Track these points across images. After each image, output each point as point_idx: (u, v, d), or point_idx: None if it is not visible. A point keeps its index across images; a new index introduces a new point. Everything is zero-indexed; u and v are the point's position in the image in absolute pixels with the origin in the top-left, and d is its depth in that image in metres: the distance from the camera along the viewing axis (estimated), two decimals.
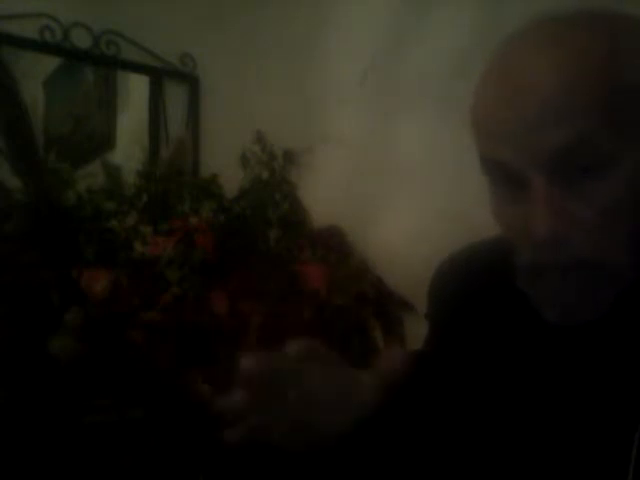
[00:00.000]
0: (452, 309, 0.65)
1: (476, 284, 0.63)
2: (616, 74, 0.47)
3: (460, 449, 0.57)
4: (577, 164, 0.48)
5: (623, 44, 0.49)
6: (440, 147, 1.39)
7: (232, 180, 1.53)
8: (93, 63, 1.65)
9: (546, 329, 0.54)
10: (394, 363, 0.57)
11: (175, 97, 1.75)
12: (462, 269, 0.66)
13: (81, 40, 1.59)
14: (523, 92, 0.48)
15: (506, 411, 0.56)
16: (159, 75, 1.72)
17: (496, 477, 0.55)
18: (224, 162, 1.57)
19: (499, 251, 0.58)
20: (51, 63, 1.63)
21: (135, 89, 1.72)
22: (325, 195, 1.60)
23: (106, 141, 1.68)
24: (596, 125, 0.47)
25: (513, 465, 0.55)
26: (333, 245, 1.55)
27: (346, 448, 0.54)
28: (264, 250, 1.43)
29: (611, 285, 0.51)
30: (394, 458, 0.58)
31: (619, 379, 0.51)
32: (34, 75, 1.61)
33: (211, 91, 1.77)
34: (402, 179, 1.49)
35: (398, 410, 0.56)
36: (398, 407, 0.56)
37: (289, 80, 1.71)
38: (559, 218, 0.48)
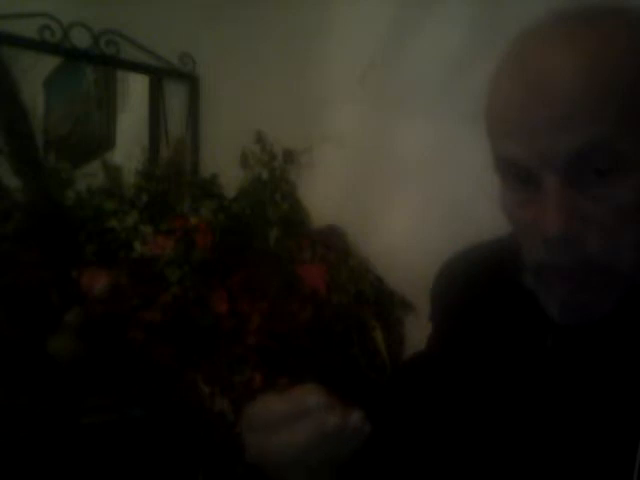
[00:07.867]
0: (455, 310, 0.65)
1: (479, 285, 0.63)
2: (633, 73, 0.46)
3: (463, 451, 0.57)
4: (591, 166, 0.47)
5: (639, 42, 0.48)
6: (440, 147, 1.39)
7: (232, 180, 1.53)
8: (93, 63, 1.65)
9: (552, 328, 0.54)
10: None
11: (175, 97, 1.75)
12: (464, 270, 0.66)
13: (81, 40, 1.59)
14: (537, 93, 0.47)
15: (511, 411, 0.56)
16: (159, 75, 1.72)
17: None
18: (224, 162, 1.57)
19: (501, 251, 0.58)
20: (51, 63, 1.63)
21: (135, 89, 1.72)
22: (325, 195, 1.60)
23: (106, 141, 1.68)
24: (612, 128, 0.46)
25: (517, 466, 0.55)
26: (333, 245, 1.54)
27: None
28: (264, 250, 1.43)
29: (618, 286, 0.50)
30: (393, 464, 0.58)
31: (626, 379, 0.51)
32: (34, 75, 1.61)
33: (211, 91, 1.77)
34: (402, 179, 1.49)
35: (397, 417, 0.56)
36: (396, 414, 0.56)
37: (289, 80, 1.71)
38: (571, 219, 0.48)
